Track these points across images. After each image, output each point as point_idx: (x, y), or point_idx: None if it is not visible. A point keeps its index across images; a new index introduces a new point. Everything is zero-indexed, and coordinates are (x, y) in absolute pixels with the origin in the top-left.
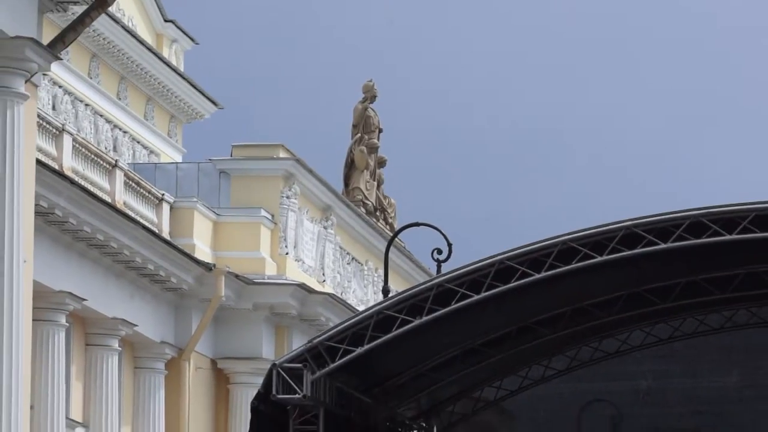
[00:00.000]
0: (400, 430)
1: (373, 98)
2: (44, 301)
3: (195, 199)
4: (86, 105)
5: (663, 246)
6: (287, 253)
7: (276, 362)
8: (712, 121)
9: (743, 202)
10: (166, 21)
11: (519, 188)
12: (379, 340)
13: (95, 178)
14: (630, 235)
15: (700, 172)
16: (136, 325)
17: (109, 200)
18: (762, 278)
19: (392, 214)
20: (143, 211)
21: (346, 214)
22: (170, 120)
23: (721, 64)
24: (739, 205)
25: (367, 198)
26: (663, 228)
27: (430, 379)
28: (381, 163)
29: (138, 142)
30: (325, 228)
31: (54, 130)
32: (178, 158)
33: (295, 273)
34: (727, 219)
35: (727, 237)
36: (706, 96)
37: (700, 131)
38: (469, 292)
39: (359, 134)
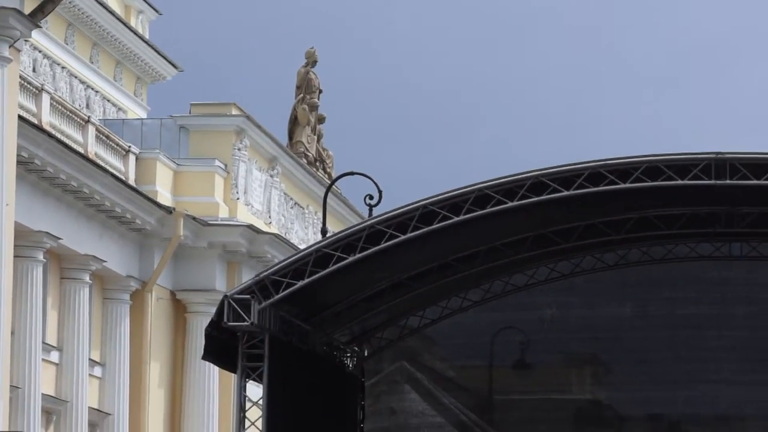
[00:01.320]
0: (335, 353)
1: (314, 63)
2: (24, 239)
3: (157, 151)
4: (62, 68)
5: (566, 193)
6: (238, 198)
7: (227, 294)
8: (611, 83)
9: (636, 155)
10: None
11: (441, 142)
12: (317, 275)
13: (70, 132)
14: (537, 183)
15: (598, 127)
16: (105, 261)
17: (82, 151)
18: (651, 222)
19: (330, 165)
20: (112, 161)
21: (290, 164)
22: (136, 81)
23: (615, 25)
24: (632, 157)
25: (308, 150)
26: (566, 177)
27: (362, 309)
28: (321, 119)
29: (108, 101)
30: (271, 176)
31: (34, 90)
32: (143, 115)
33: (244, 216)
34: (622, 170)
35: (622, 185)
36: (608, 58)
37: (600, 92)
38: (396, 233)
39: (302, 94)
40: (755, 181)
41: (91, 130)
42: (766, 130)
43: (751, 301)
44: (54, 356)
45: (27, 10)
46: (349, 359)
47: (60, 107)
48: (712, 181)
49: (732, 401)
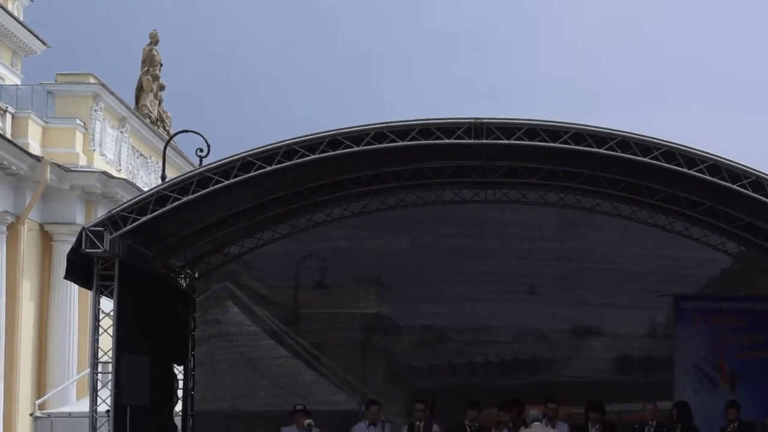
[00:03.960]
0: (171, 275)
1: (156, 42)
2: None
3: (29, 111)
4: None
5: (357, 148)
6: (94, 150)
7: (85, 226)
8: (393, 65)
9: (412, 119)
10: None
11: (259, 105)
12: (157, 212)
13: None
14: (333, 140)
15: (382, 97)
16: None
17: None
18: (424, 172)
19: (169, 124)
20: None
21: (136, 123)
22: (12, 55)
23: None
24: (409, 120)
25: (151, 112)
26: (357, 136)
27: (193, 240)
28: (161, 87)
29: None
30: (121, 133)
31: None
32: (18, 82)
33: (100, 164)
34: (401, 131)
35: (401, 143)
36: (388, 46)
37: (385, 70)
38: (221, 179)
39: (146, 67)
40: (506, 141)
41: None
42: (515, 101)
43: (502, 236)
44: None
45: None
46: (183, 280)
47: None
48: (472, 141)
49: (487, 315)
